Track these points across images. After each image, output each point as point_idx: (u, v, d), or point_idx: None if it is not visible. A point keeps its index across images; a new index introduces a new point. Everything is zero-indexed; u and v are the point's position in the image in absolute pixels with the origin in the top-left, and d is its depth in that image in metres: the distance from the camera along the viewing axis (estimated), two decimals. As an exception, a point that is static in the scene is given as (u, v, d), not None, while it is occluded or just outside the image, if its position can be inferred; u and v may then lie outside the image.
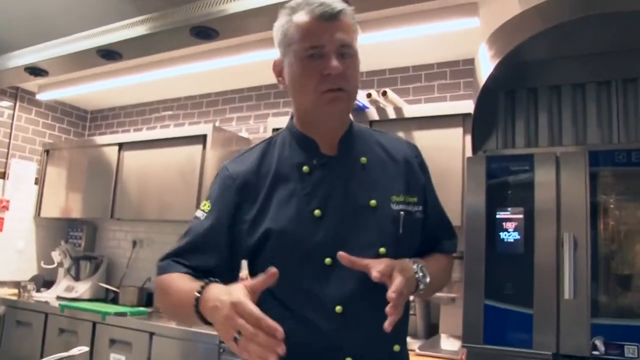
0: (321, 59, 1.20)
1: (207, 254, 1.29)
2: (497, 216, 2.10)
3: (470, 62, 3.24)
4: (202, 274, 1.22)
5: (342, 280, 1.21)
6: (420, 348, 2.63)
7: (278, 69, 1.33)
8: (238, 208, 1.29)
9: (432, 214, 1.41)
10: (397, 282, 1.11)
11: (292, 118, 1.38)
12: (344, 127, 1.34)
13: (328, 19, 1.20)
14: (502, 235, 2.08)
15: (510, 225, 2.07)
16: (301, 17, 1.22)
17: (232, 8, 2.05)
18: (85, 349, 1.78)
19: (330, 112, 1.26)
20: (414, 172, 1.38)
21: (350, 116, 1.39)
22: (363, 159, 1.32)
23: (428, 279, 1.24)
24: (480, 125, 2.25)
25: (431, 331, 2.93)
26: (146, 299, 4.07)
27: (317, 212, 1.24)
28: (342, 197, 1.27)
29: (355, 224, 1.26)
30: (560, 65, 2.19)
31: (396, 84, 3.47)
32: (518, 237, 2.05)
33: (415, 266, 1.23)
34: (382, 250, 1.25)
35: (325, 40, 1.20)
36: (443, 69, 3.34)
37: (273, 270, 1.03)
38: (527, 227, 2.03)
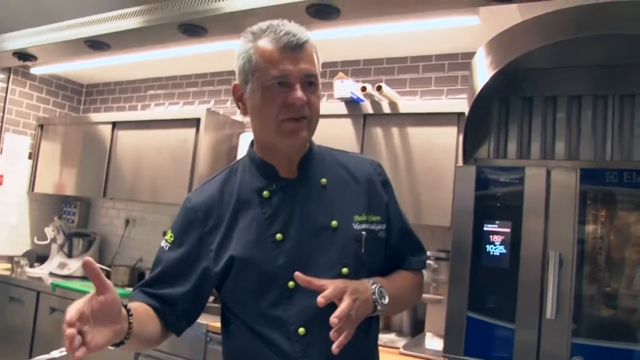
0: (286, 87, 1.22)
1: (175, 284, 1.31)
2: (485, 228, 2.08)
3: (469, 56, 3.17)
4: (169, 302, 1.30)
5: (305, 302, 1.23)
6: (404, 347, 2.64)
7: (238, 94, 1.33)
8: (201, 239, 1.32)
9: (396, 232, 1.41)
10: (342, 306, 1.12)
11: (252, 145, 1.40)
12: (302, 151, 1.35)
13: (293, 48, 1.22)
14: (489, 248, 2.06)
15: (497, 239, 2.05)
16: (266, 45, 1.23)
17: (222, 7, 1.99)
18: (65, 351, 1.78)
19: (290, 143, 1.28)
20: (376, 191, 1.39)
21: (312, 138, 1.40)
22: (323, 180, 1.34)
23: (386, 300, 1.25)
24: (472, 131, 2.21)
25: (417, 327, 2.94)
26: (137, 278, 4.09)
27: (278, 235, 1.27)
28: (302, 219, 1.29)
29: (317, 245, 1.28)
30: (557, 75, 2.13)
31: (393, 74, 3.41)
32: (504, 251, 2.03)
33: (373, 287, 1.24)
34: (344, 270, 1.27)
35: (291, 70, 1.22)
36: (441, 61, 3.28)
37: (87, 259, 1.04)
38: (514, 242, 2.01)
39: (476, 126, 2.21)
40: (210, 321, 2.98)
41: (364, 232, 1.31)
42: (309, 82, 1.25)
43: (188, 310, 1.33)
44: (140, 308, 1.25)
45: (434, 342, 2.70)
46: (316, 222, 1.29)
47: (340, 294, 1.14)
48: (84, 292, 3.48)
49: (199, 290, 1.32)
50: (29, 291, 3.86)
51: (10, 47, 2.73)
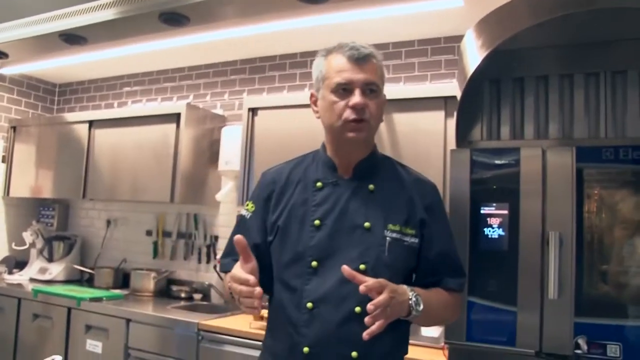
0: (349, 93, 1.43)
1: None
2: (482, 211, 2.05)
3: (452, 39, 3.15)
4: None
5: (320, 283, 1.43)
6: (401, 335, 2.61)
7: (313, 99, 1.58)
8: (268, 210, 1.57)
9: (436, 250, 1.53)
10: (380, 297, 1.26)
11: (324, 143, 1.61)
12: (361, 155, 1.53)
13: (357, 60, 1.43)
14: (487, 231, 2.04)
15: (494, 221, 2.03)
16: (335, 57, 1.48)
17: (204, -6, 1.92)
18: (59, 358, 1.71)
19: (351, 139, 1.46)
20: (415, 209, 1.52)
21: (375, 145, 1.59)
22: (371, 186, 1.52)
23: (421, 307, 1.37)
24: (464, 115, 2.18)
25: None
26: (122, 280, 4.01)
27: (316, 222, 1.48)
28: (341, 214, 1.48)
29: (346, 239, 1.46)
30: (548, 54, 2.11)
31: (376, 61, 3.36)
32: (502, 233, 2.01)
33: (411, 293, 1.37)
34: (362, 266, 1.42)
35: (353, 78, 1.43)
36: (424, 46, 3.24)
37: (238, 237, 1.34)
38: (512, 224, 1.99)
39: (468, 109, 2.18)
40: (202, 319, 2.92)
41: (388, 238, 1.46)
42: (370, 90, 1.45)
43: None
44: None
45: (429, 330, 2.68)
46: (352, 220, 1.47)
47: (380, 289, 1.27)
48: (68, 297, 3.40)
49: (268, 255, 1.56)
50: (9, 298, 3.74)
51: (-22, 45, 2.58)
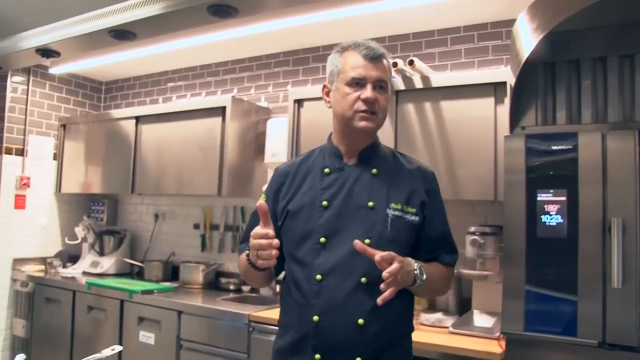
0: (361, 87, 1.60)
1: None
2: (538, 198, 2.00)
3: (500, 24, 3.07)
4: None
5: (327, 257, 1.58)
6: (453, 326, 2.58)
7: (326, 91, 1.73)
8: (279, 199, 1.73)
9: (435, 230, 1.70)
10: (393, 266, 1.41)
11: (330, 134, 1.77)
12: (365, 143, 1.69)
13: (371, 59, 1.60)
14: (544, 218, 1.99)
15: (552, 208, 1.97)
16: (351, 54, 1.64)
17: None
18: (119, 348, 1.74)
19: (362, 128, 1.61)
20: (418, 191, 1.68)
21: (378, 137, 1.75)
22: (374, 170, 1.67)
23: (425, 277, 1.54)
24: (518, 100, 2.12)
25: (463, 306, 2.87)
26: (171, 273, 4.07)
27: (324, 203, 1.63)
28: (347, 196, 1.63)
29: (352, 217, 1.60)
30: (605, 34, 2.03)
31: (420, 49, 3.32)
32: (561, 220, 1.95)
33: (416, 265, 1.54)
34: (367, 241, 1.54)
35: (366, 74, 1.60)
36: (470, 32, 3.17)
37: (260, 203, 1.52)
38: (571, 210, 1.93)
39: (521, 94, 2.12)
40: (252, 311, 2.93)
41: (390, 215, 1.61)
42: (380, 86, 1.61)
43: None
44: None
45: (482, 320, 2.64)
46: (357, 201, 1.62)
47: (391, 260, 1.42)
48: (119, 289, 3.47)
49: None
50: (64, 291, 3.85)
51: (31, 45, 2.65)
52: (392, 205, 1.62)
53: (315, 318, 1.56)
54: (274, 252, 1.44)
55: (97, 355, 1.68)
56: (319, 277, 1.57)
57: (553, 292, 1.95)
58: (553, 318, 1.94)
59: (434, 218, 1.70)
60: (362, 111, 1.59)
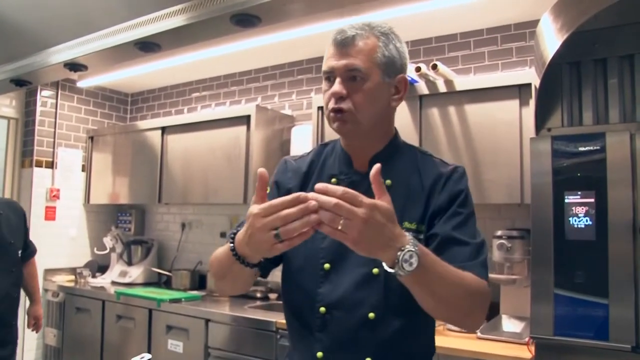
0: (331, 82, 1.33)
1: None
2: (566, 200, 1.97)
3: (523, 25, 3.05)
4: None
5: (332, 288, 1.34)
6: (481, 331, 2.55)
7: None
8: (279, 192, 1.44)
9: (448, 229, 1.31)
10: (356, 210, 1.00)
11: None
12: (375, 146, 1.40)
13: (338, 44, 1.31)
14: (572, 220, 1.96)
15: (580, 210, 1.94)
16: (329, 44, 1.35)
17: (275, -7, 1.92)
18: (148, 356, 1.76)
19: (336, 130, 1.35)
20: (432, 202, 1.35)
21: (395, 132, 1.44)
22: (388, 182, 1.32)
23: (413, 267, 1.07)
24: (543, 101, 2.10)
25: (491, 310, 2.82)
26: (199, 281, 4.10)
27: None
28: None
29: None
30: (632, 32, 2.00)
31: (444, 53, 3.30)
32: (589, 222, 1.92)
33: (408, 245, 1.07)
34: (375, 270, 1.29)
35: (333, 66, 1.31)
36: (493, 34, 3.16)
37: (261, 170, 1.13)
38: (600, 212, 1.90)
39: (546, 95, 2.09)
40: (279, 318, 2.94)
41: None
42: (352, 77, 1.30)
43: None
44: None
45: (511, 324, 2.61)
46: None
47: (359, 204, 1.02)
48: (148, 298, 3.51)
49: None
50: (94, 301, 3.91)
51: (60, 59, 2.71)
52: (406, 224, 1.32)
53: (320, 354, 1.36)
54: (314, 217, 1.01)
55: (128, 363, 1.70)
56: (322, 309, 1.35)
57: (583, 295, 1.92)
58: (584, 322, 1.91)
59: (449, 219, 1.33)
60: (330, 109, 1.33)
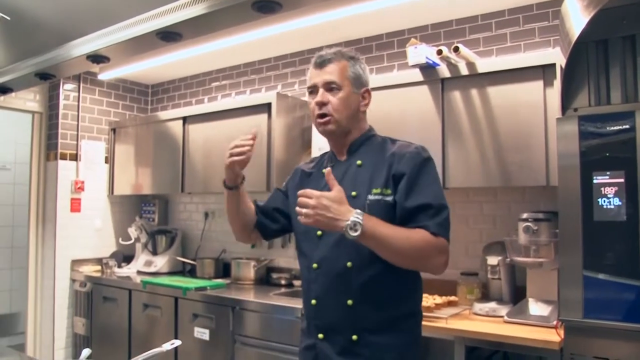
0: (314, 94, 1.79)
1: (270, 204, 2.03)
2: (595, 181, 1.94)
3: (546, 5, 2.99)
4: (263, 211, 2.01)
5: (323, 248, 1.76)
6: (508, 315, 2.53)
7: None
8: (294, 189, 1.85)
9: (410, 201, 1.67)
10: (309, 201, 1.57)
11: None
12: (348, 140, 1.84)
13: (318, 65, 1.80)
14: (601, 201, 1.93)
15: (609, 191, 1.92)
16: (310, 68, 1.85)
17: (295, -23, 1.91)
18: (178, 342, 1.77)
19: (322, 132, 1.83)
20: (393, 171, 1.73)
21: (368, 128, 1.89)
22: (359, 162, 1.81)
23: (357, 233, 1.54)
24: (569, 81, 2.06)
25: (517, 294, 2.82)
26: (223, 269, 4.13)
27: None
28: None
29: None
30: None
31: (464, 35, 3.26)
32: (619, 203, 1.90)
33: (353, 217, 1.54)
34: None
35: (315, 81, 1.79)
36: (515, 15, 3.10)
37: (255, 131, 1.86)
38: (630, 192, 1.87)
39: (572, 74, 2.06)
40: (304, 304, 2.95)
41: (368, 201, 1.70)
42: (330, 88, 1.77)
43: (266, 222, 2.00)
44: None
45: (538, 308, 2.58)
46: (345, 193, 1.65)
47: (310, 195, 1.57)
48: (173, 287, 3.55)
49: (276, 214, 2.00)
50: (121, 290, 3.96)
51: (82, 52, 2.74)
52: (373, 191, 1.72)
53: (313, 302, 1.77)
54: (248, 145, 1.81)
55: (158, 350, 1.72)
56: (315, 265, 1.77)
57: (613, 277, 1.89)
58: (614, 304, 1.89)
59: (412, 190, 1.69)
60: (316, 116, 1.78)
